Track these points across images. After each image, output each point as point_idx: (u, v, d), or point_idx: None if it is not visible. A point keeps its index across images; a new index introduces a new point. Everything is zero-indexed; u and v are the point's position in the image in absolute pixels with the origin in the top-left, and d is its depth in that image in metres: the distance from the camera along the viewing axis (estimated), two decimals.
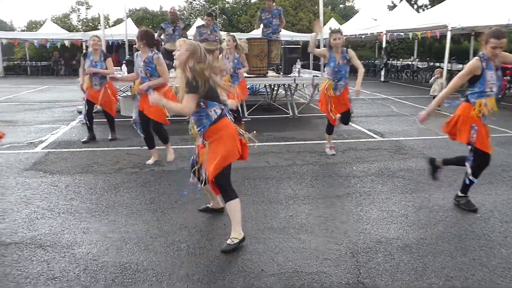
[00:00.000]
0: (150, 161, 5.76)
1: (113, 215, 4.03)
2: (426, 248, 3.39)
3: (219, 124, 3.34)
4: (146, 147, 5.83)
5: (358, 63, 5.88)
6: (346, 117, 6.13)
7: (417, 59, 21.19)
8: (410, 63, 21.12)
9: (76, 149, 6.60)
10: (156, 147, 5.79)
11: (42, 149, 6.58)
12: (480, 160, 4.04)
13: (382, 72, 20.30)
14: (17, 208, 4.17)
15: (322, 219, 3.97)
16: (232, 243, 3.35)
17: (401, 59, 22.55)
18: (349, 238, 3.57)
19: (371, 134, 7.76)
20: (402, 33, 18.56)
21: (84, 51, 7.44)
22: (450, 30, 14.03)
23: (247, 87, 8.27)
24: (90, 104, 7.01)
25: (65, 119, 9.31)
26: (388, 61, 21.17)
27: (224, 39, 7.83)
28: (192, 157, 3.72)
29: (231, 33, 7.31)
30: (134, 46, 9.74)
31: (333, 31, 5.85)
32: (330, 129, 6.21)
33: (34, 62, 26.54)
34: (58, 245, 3.41)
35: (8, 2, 72.51)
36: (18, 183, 4.93)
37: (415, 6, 27.62)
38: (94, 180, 5.09)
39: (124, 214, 4.07)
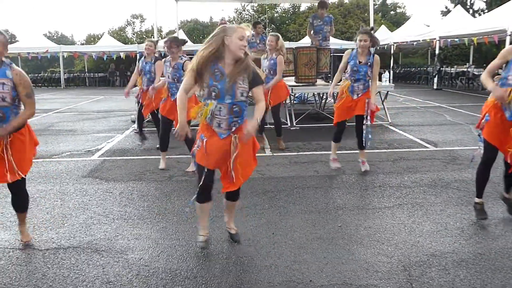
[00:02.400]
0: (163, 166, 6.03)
1: (164, 222, 4.13)
2: (484, 264, 3.23)
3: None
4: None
5: (375, 74, 5.41)
6: (359, 126, 5.54)
7: (473, 66, 20.34)
8: (465, 69, 20.32)
9: (129, 157, 6.85)
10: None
11: (99, 157, 6.88)
12: (486, 155, 3.83)
13: (435, 80, 19.64)
14: (75, 214, 4.37)
15: (372, 230, 3.88)
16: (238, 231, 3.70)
17: (455, 66, 21.75)
18: (400, 250, 3.46)
19: (424, 143, 7.52)
20: (456, 39, 17.92)
21: (137, 62, 7.71)
22: (510, 35, 13.40)
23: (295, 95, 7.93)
24: (141, 104, 7.27)
25: (120, 128, 9.68)
26: (441, 68, 20.46)
27: None
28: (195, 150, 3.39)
29: (275, 34, 7.10)
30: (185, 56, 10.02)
31: (361, 32, 5.32)
32: (337, 137, 5.74)
33: (92, 74, 27.90)
34: (113, 250, 3.54)
35: (69, 17, 76.72)
36: (76, 189, 5.17)
37: (471, 11, 26.59)
38: (147, 187, 5.25)
39: (175, 221, 4.16)
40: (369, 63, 5.36)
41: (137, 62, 7.45)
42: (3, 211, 4.46)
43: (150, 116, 7.32)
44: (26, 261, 3.37)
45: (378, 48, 5.64)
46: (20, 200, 3.65)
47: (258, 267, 3.23)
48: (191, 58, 5.51)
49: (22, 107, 3.49)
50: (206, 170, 3.36)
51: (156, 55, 7.15)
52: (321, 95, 11.80)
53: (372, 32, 5.44)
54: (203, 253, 3.46)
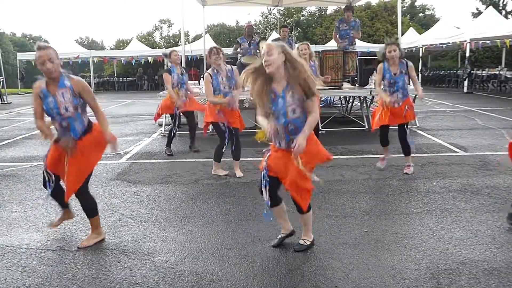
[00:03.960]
0: (223, 173, 5.93)
1: (190, 225, 4.17)
2: None
3: None
4: (222, 159, 5.94)
5: (414, 76, 5.59)
6: (402, 131, 5.69)
7: (505, 69, 19.79)
8: (497, 72, 19.77)
9: (156, 160, 6.95)
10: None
11: (127, 160, 7.00)
12: None
13: (465, 83, 19.19)
14: (104, 216, 4.47)
15: (399, 236, 3.82)
16: (305, 244, 3.53)
17: (486, 69, 21.19)
18: (429, 257, 3.39)
19: (453, 148, 7.36)
20: (488, 41, 17.49)
21: (165, 67, 7.80)
22: None
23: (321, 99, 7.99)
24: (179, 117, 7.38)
25: (147, 132, 9.84)
26: (472, 71, 19.99)
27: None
28: (264, 172, 3.43)
29: (305, 42, 7.17)
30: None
31: (388, 43, 5.45)
32: (382, 142, 5.91)
33: (120, 78, 28.47)
34: (140, 252, 3.60)
35: (100, 23, 78.52)
36: (105, 192, 5.28)
37: (503, 12, 25.92)
38: (173, 190, 5.32)
39: (201, 224, 4.20)
40: (403, 71, 5.47)
41: (166, 76, 7.13)
42: (36, 213, 4.60)
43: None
44: (56, 262, 3.46)
45: (406, 51, 5.64)
46: (83, 205, 3.76)
47: (283, 272, 3.22)
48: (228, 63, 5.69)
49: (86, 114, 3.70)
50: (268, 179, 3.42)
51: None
52: (347, 99, 11.71)
53: (397, 41, 5.57)
54: (228, 257, 3.48)
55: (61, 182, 3.78)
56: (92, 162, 3.70)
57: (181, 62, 7.72)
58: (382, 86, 5.64)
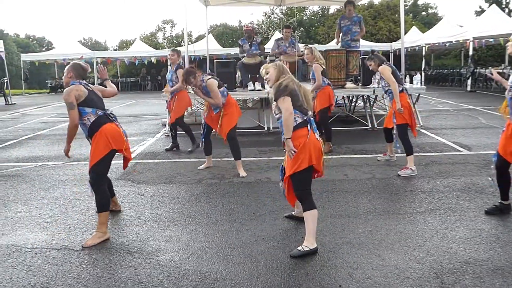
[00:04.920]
0: (203, 166, 6.23)
1: (194, 225, 4.19)
2: None
3: (298, 132, 3.53)
4: (226, 159, 5.99)
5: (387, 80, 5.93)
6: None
7: (509, 67, 19.70)
8: (500, 71, 19.66)
9: (160, 160, 6.97)
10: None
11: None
12: (500, 166, 4.11)
13: (469, 81, 19.14)
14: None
15: (403, 235, 3.82)
16: (302, 250, 3.45)
17: (490, 67, 21.12)
18: (433, 257, 3.39)
19: (457, 147, 7.34)
20: (491, 39, 17.44)
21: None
22: None
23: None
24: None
25: (151, 132, 9.86)
26: (475, 70, 19.92)
27: (302, 52, 7.81)
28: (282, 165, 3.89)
29: (308, 45, 7.23)
30: (214, 60, 10.15)
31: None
32: (386, 138, 6.26)
33: (124, 79, 28.53)
34: (144, 251, 3.62)
35: (103, 24, 78.67)
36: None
37: (506, 10, 25.83)
38: (177, 190, 5.33)
39: (204, 223, 4.21)
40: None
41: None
42: (41, 212, 4.62)
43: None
44: (62, 261, 3.48)
45: (409, 50, 5.69)
46: (97, 198, 3.93)
47: (287, 271, 3.23)
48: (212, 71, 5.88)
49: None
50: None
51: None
52: (350, 98, 11.70)
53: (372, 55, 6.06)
54: (232, 256, 3.49)
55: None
56: (98, 154, 3.93)
57: (184, 61, 7.82)
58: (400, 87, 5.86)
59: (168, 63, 7.56)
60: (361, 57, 10.02)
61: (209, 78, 5.71)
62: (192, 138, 7.41)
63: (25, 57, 26.69)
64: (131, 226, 4.20)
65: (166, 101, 7.53)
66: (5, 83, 19.63)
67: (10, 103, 18.84)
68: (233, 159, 6.00)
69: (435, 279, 3.06)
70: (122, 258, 3.51)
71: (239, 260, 3.42)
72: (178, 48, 8.04)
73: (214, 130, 6.04)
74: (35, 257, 3.56)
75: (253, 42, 9.85)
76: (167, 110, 7.61)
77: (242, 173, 5.83)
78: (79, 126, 3.90)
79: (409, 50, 22.47)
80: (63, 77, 4.06)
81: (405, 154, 5.78)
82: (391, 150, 6.28)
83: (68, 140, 3.99)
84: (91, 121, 3.93)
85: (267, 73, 3.67)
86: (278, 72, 3.62)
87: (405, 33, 18.99)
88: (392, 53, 22.89)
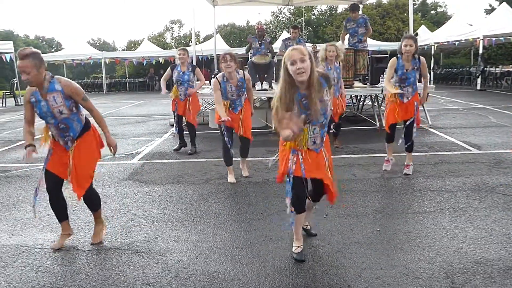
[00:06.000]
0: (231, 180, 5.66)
1: (202, 225, 4.18)
2: None
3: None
4: (234, 159, 5.93)
5: (425, 73, 5.52)
6: (409, 127, 5.54)
7: None
8: (511, 69, 19.52)
9: (168, 160, 6.98)
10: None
11: (139, 160, 7.05)
12: None
13: (479, 80, 18.95)
14: (116, 216, 4.50)
15: (413, 235, 3.78)
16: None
17: (500, 66, 20.92)
18: (442, 257, 3.36)
19: (466, 146, 7.27)
20: (501, 38, 17.27)
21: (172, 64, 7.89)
22: None
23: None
24: (179, 115, 7.42)
25: (158, 132, 9.89)
26: (485, 68, 19.74)
27: (318, 50, 7.71)
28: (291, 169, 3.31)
29: (333, 43, 7.09)
30: None
31: (405, 37, 5.37)
32: (390, 138, 5.75)
33: (132, 79, 28.65)
34: (152, 252, 3.62)
35: (112, 24, 79.16)
36: (117, 192, 5.32)
37: None
38: (185, 190, 5.34)
39: (212, 224, 4.21)
40: (416, 67, 5.40)
41: (168, 69, 7.45)
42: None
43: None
44: (70, 261, 3.49)
45: (418, 49, 5.52)
46: (88, 201, 3.82)
47: (295, 271, 3.21)
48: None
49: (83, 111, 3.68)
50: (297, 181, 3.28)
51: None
52: (358, 98, 11.64)
53: (416, 37, 5.48)
54: (240, 256, 3.48)
55: (64, 190, 3.77)
56: (96, 157, 3.75)
57: (191, 61, 7.77)
58: (392, 82, 5.57)
59: (176, 62, 7.43)
60: (369, 56, 9.98)
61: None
62: (193, 140, 7.46)
63: None
64: (139, 226, 4.20)
65: (175, 102, 7.38)
66: (15, 84, 19.81)
67: (19, 103, 19.00)
68: (239, 158, 5.93)
69: (445, 279, 3.02)
70: (131, 258, 3.51)
71: (247, 261, 3.41)
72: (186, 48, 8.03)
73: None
74: (44, 258, 3.58)
75: (263, 41, 9.84)
76: (175, 111, 7.45)
77: (246, 173, 5.81)
78: (72, 120, 3.54)
79: (418, 49, 22.29)
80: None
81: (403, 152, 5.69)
82: (391, 152, 5.91)
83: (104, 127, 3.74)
84: (84, 119, 3.69)
85: (303, 61, 2.97)
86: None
87: (414, 32, 18.85)
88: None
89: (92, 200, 3.84)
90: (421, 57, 5.48)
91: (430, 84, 11.03)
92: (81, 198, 3.69)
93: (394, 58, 5.50)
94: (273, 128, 9.18)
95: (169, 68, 7.47)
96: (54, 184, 3.65)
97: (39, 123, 3.67)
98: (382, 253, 3.45)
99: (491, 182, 5.18)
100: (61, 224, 3.84)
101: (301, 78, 2.98)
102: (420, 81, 5.77)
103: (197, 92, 7.51)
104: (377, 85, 9.51)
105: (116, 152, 3.85)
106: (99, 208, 3.91)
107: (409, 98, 5.47)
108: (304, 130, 3.16)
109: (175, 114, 7.54)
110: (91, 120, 3.80)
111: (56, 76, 3.49)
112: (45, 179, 3.65)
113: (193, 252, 3.59)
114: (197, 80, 7.32)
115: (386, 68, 5.69)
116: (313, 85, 3.04)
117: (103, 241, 3.86)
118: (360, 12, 10.41)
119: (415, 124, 5.52)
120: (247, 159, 5.92)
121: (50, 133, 3.67)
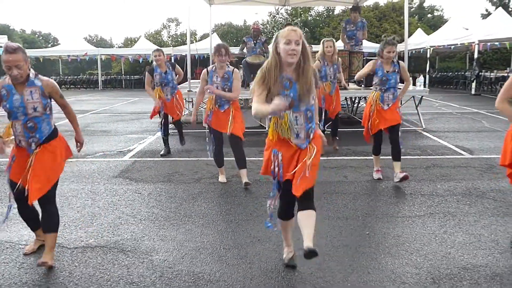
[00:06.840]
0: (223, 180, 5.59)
1: (190, 224, 4.15)
2: None
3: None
4: (225, 158, 5.88)
5: (407, 77, 5.56)
6: (395, 134, 5.36)
7: None
8: (505, 74, 19.56)
9: (159, 159, 6.93)
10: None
11: (130, 157, 7.00)
12: None
13: (473, 85, 19.03)
14: (104, 213, 4.45)
15: (401, 239, 3.76)
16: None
17: (495, 71, 20.98)
18: (430, 262, 3.34)
19: (459, 150, 7.27)
20: (497, 43, 17.33)
21: (148, 67, 7.65)
22: None
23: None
24: (166, 116, 7.18)
25: (151, 130, 9.83)
26: (480, 73, 19.79)
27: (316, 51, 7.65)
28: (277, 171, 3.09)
29: (330, 38, 7.05)
30: None
31: (387, 43, 5.25)
32: (376, 149, 5.59)
33: (128, 76, 28.53)
34: (138, 250, 3.58)
35: (109, 21, 78.91)
36: (106, 189, 5.27)
37: None
38: (174, 189, 5.29)
39: (200, 224, 4.17)
40: (396, 70, 5.37)
41: (147, 74, 7.13)
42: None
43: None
44: (54, 259, 3.44)
45: (414, 52, 5.48)
46: (49, 215, 3.37)
47: (281, 274, 3.18)
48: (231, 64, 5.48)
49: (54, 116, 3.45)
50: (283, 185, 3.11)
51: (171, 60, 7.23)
52: (353, 99, 11.63)
53: (397, 42, 5.42)
54: (226, 257, 3.45)
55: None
56: (61, 167, 3.48)
57: (171, 59, 7.63)
58: (373, 84, 5.48)
59: (153, 64, 7.13)
60: (364, 58, 9.98)
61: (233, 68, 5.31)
62: (181, 135, 7.39)
63: (31, 53, 26.70)
64: (127, 224, 4.16)
65: (160, 106, 7.09)
66: None
67: None
68: (232, 158, 5.87)
69: (432, 285, 3.00)
70: (116, 257, 3.47)
71: (233, 262, 3.38)
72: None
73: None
74: (28, 254, 3.52)
75: (258, 41, 9.81)
76: (161, 111, 7.12)
77: (245, 179, 5.30)
78: (43, 120, 3.31)
79: (414, 52, 22.37)
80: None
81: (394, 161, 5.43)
82: (378, 162, 5.72)
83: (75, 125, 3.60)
84: (53, 124, 3.43)
85: (298, 44, 2.87)
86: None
87: (410, 35, 18.91)
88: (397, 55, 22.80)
89: (52, 219, 3.37)
90: (399, 61, 5.46)
91: (424, 87, 11.05)
92: (32, 204, 3.32)
93: (374, 60, 5.49)
94: (266, 128, 9.16)
95: (146, 73, 7.13)
96: (19, 194, 3.33)
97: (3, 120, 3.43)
98: (370, 257, 3.43)
99: (482, 187, 5.18)
100: (34, 232, 3.64)
101: (292, 59, 2.87)
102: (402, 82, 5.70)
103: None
104: (371, 87, 9.48)
105: (81, 149, 3.67)
106: (55, 231, 3.37)
107: (390, 105, 5.35)
108: (284, 115, 2.96)
109: (160, 115, 7.18)
110: (66, 125, 3.59)
111: (36, 74, 3.31)
112: (10, 189, 3.41)
113: (179, 251, 3.55)
114: (176, 75, 7.18)
115: None
116: (303, 73, 2.93)
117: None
118: None
119: (400, 134, 5.39)
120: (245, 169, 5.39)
121: (12, 136, 3.38)
